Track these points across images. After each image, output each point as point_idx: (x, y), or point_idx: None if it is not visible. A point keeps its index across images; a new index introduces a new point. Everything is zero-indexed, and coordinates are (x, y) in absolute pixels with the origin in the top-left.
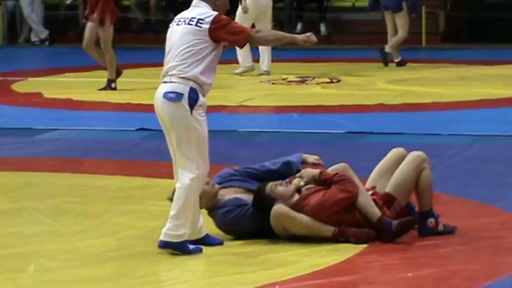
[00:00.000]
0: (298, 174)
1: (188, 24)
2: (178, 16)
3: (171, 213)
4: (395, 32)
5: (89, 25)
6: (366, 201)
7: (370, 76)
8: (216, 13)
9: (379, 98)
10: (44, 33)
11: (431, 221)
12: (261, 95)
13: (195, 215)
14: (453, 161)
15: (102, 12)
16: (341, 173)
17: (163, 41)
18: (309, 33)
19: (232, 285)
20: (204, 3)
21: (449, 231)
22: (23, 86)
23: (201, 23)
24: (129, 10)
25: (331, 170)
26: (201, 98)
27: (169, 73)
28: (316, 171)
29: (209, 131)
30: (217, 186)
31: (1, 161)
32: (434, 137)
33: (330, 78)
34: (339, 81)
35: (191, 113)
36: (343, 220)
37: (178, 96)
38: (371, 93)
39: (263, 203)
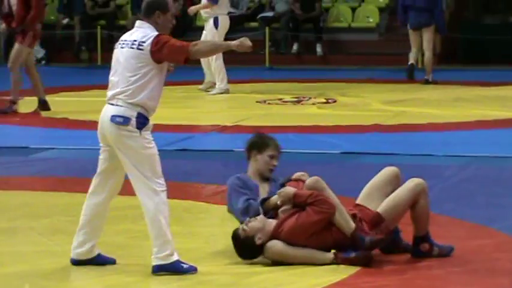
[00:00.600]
0: (277, 192)
1: (131, 47)
2: (123, 37)
3: (151, 237)
4: (421, 47)
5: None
6: (340, 215)
7: (365, 97)
8: (155, 34)
9: (374, 118)
10: (41, 53)
11: (424, 245)
12: (256, 115)
13: (95, 235)
14: (449, 182)
15: (26, 30)
16: (315, 190)
17: None
18: (242, 38)
19: None
20: (147, 24)
21: (445, 254)
22: (20, 105)
23: (142, 46)
24: (125, 30)
25: (305, 185)
26: (148, 121)
27: (116, 97)
28: (291, 193)
29: (206, 151)
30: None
31: None
32: (430, 158)
33: (325, 99)
34: (334, 101)
35: (140, 134)
36: (323, 240)
37: (126, 120)
38: (366, 114)
39: (245, 247)
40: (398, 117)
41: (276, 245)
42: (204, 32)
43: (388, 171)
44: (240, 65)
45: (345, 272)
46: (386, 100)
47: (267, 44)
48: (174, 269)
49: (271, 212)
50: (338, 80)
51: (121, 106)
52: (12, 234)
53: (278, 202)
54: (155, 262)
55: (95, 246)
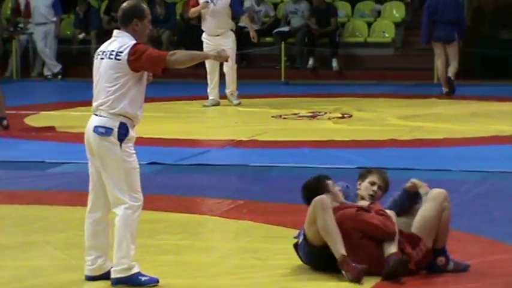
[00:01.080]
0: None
1: (109, 58)
2: (101, 48)
3: (114, 249)
4: (447, 61)
5: None
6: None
7: (381, 112)
8: (133, 43)
9: (390, 133)
10: (57, 67)
11: (441, 259)
12: (272, 130)
13: (104, 250)
14: (465, 197)
15: None
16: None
17: (175, 75)
18: (220, 49)
19: None
20: (124, 33)
21: (460, 269)
22: (36, 119)
23: (119, 56)
24: None
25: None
26: (130, 132)
27: (99, 108)
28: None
29: (221, 166)
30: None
31: (13, 194)
32: (446, 173)
33: (341, 114)
34: (350, 116)
35: (120, 146)
36: (362, 246)
37: (108, 131)
38: (382, 129)
39: (316, 188)
40: (414, 132)
41: (327, 198)
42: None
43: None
44: (255, 80)
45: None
46: (402, 115)
47: (283, 58)
48: (132, 282)
49: None
50: (354, 95)
51: (104, 117)
52: (28, 248)
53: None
54: (113, 275)
55: (106, 260)
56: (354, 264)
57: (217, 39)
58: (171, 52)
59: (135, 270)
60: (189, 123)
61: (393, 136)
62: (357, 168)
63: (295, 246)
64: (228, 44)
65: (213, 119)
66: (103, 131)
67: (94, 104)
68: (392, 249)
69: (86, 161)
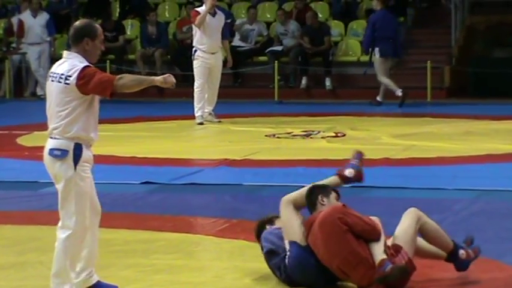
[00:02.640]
0: None
1: (58, 81)
2: (52, 69)
3: (52, 272)
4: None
5: None
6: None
7: (375, 130)
8: (81, 66)
9: (384, 152)
10: None
11: (462, 253)
12: (265, 149)
13: (89, 263)
14: (459, 215)
15: None
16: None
17: (169, 95)
18: (166, 75)
19: None
20: (74, 54)
21: (479, 250)
22: (29, 139)
23: (68, 80)
24: (134, 64)
25: None
26: (85, 152)
27: (53, 131)
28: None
29: (215, 185)
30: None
31: (6, 215)
32: (440, 192)
33: (335, 133)
34: (344, 135)
35: (75, 169)
36: (350, 243)
37: (63, 153)
38: (376, 148)
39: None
40: (408, 151)
41: (287, 197)
42: (211, 65)
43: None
44: (249, 99)
45: None
46: (396, 134)
47: (276, 77)
48: None
49: None
50: (347, 114)
51: (59, 139)
52: (22, 269)
53: None
54: None
55: (92, 273)
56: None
57: (214, 57)
58: (119, 76)
59: None
60: (183, 143)
61: (387, 155)
62: (351, 187)
63: (269, 253)
64: (221, 63)
65: (206, 138)
66: (58, 154)
67: (49, 127)
68: (383, 254)
69: None
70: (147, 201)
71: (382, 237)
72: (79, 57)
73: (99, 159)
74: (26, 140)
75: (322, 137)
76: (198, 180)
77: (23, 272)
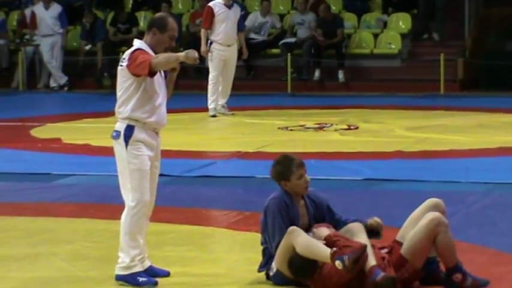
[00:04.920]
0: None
1: (120, 65)
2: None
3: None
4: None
5: None
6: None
7: (388, 123)
8: (133, 49)
9: (397, 145)
10: (63, 79)
11: (456, 276)
12: (279, 141)
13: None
14: (471, 208)
15: None
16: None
17: (182, 87)
18: (189, 50)
19: None
20: (139, 41)
21: (480, 285)
22: (42, 131)
23: (123, 62)
24: None
25: (344, 229)
26: (137, 133)
27: (116, 114)
28: (322, 236)
29: (227, 177)
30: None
31: (20, 206)
32: (453, 185)
33: (348, 125)
34: (357, 128)
35: (126, 147)
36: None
37: (117, 134)
38: (389, 140)
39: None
40: (420, 143)
41: (295, 229)
42: (226, 57)
43: (428, 202)
44: (262, 92)
45: None
46: (408, 126)
47: (289, 70)
48: (127, 280)
49: None
50: (360, 107)
51: (118, 121)
52: (35, 260)
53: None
54: (116, 271)
55: (144, 258)
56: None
57: (229, 50)
58: (155, 56)
59: (135, 270)
60: (196, 135)
61: (400, 148)
62: (364, 180)
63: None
64: (236, 56)
65: (219, 131)
66: (114, 135)
67: None
68: (372, 261)
69: (92, 173)
70: (159, 193)
71: (370, 248)
72: (143, 44)
73: (111, 151)
74: (39, 132)
75: (335, 130)
76: (210, 172)
77: (35, 263)
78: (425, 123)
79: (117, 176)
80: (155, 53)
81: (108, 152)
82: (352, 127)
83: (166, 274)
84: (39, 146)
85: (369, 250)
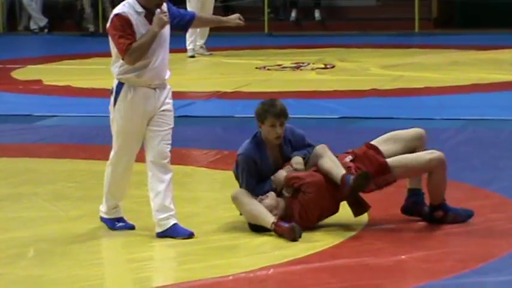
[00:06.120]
0: (271, 178)
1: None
2: None
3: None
4: None
5: None
6: (328, 166)
7: (363, 62)
8: (114, 13)
9: (372, 83)
10: (43, 21)
11: (438, 213)
12: (256, 81)
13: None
14: (446, 145)
15: None
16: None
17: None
18: (159, 16)
19: (228, 269)
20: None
21: (460, 220)
22: (23, 73)
23: (108, 22)
24: None
25: (312, 156)
26: (124, 92)
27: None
28: (281, 178)
29: (206, 117)
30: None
31: (1, 147)
32: (427, 122)
33: (324, 64)
34: (333, 67)
35: (114, 106)
36: (327, 208)
37: (111, 91)
38: (364, 79)
39: None
40: (395, 81)
41: (237, 192)
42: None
43: (416, 132)
44: (239, 32)
45: (343, 235)
46: (384, 65)
47: (266, 10)
48: (106, 223)
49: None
50: (336, 46)
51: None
52: (17, 200)
53: (276, 187)
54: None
55: (118, 207)
56: (283, 225)
57: None
58: (129, 51)
59: (112, 215)
60: (174, 76)
61: (375, 86)
62: (340, 118)
63: None
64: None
65: (198, 71)
66: (110, 92)
67: None
68: (341, 171)
69: (73, 114)
70: None
71: (326, 162)
72: (128, 4)
73: (92, 92)
74: (20, 74)
75: (311, 69)
76: (189, 112)
77: (18, 203)
78: (400, 61)
79: (97, 116)
80: (145, 8)
81: (88, 93)
82: (328, 66)
83: (133, 227)
84: (20, 87)
85: (334, 161)
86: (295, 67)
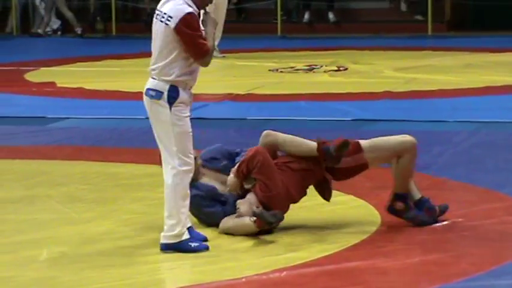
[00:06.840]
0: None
1: (161, 21)
2: (158, 6)
3: (165, 214)
4: None
5: None
6: (296, 146)
7: (377, 64)
8: (184, 13)
9: (385, 85)
10: (56, 24)
11: (399, 204)
12: (269, 83)
13: None
14: (459, 147)
15: None
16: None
17: None
18: (210, 18)
19: (241, 271)
20: None
21: (419, 223)
22: (36, 75)
23: (169, 21)
24: (139, 0)
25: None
26: (181, 94)
27: (153, 69)
28: (233, 177)
29: (219, 119)
30: (199, 162)
31: (15, 149)
32: (441, 124)
33: (337, 67)
34: (346, 69)
35: (170, 109)
36: (293, 183)
37: (157, 94)
38: (378, 81)
39: None
40: (409, 84)
41: (221, 227)
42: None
43: (406, 141)
44: (252, 34)
45: (357, 237)
46: (397, 67)
47: (279, 12)
48: (180, 248)
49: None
50: (349, 48)
51: (155, 79)
52: (30, 202)
53: (230, 191)
54: (162, 240)
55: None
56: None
57: None
58: (210, 52)
59: (185, 237)
60: None
61: (388, 88)
62: (353, 120)
63: None
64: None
65: (211, 73)
66: (153, 94)
67: (150, 65)
68: (311, 146)
69: (86, 117)
70: (153, 136)
71: (290, 144)
72: (188, 3)
73: (104, 94)
74: (34, 76)
75: (324, 71)
76: (202, 114)
77: (31, 205)
78: (414, 64)
79: (110, 119)
80: (198, 8)
81: (102, 95)
82: (341, 68)
83: (205, 239)
84: (34, 90)
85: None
86: (308, 69)
